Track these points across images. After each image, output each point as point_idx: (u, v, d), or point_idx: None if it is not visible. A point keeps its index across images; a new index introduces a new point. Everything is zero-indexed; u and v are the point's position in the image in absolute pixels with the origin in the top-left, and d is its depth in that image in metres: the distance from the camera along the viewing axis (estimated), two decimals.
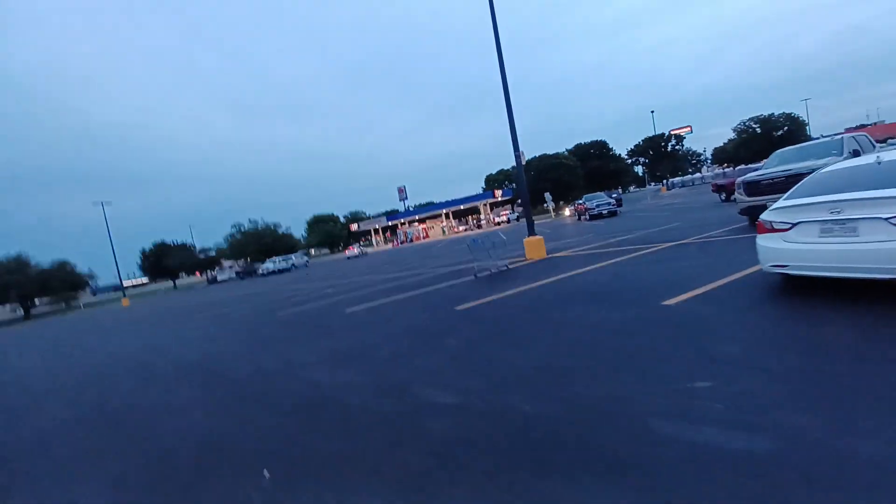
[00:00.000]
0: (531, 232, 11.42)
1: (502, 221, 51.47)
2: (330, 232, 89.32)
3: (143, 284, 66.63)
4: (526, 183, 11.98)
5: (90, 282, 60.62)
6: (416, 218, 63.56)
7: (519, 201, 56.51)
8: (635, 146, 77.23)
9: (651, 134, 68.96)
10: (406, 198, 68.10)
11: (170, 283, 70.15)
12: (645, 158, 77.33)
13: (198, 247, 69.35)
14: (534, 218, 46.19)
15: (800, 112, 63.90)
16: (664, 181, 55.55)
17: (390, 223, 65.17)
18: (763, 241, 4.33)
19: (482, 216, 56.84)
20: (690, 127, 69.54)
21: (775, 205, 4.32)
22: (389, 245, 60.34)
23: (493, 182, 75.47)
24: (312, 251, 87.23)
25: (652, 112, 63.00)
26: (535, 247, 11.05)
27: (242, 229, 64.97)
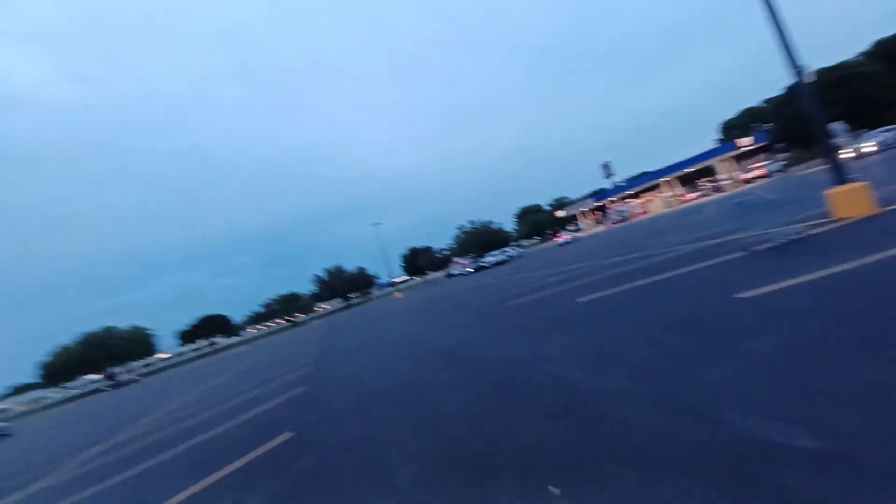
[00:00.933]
0: (840, 179, 7.79)
1: (757, 177, 39.08)
2: (537, 222, 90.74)
3: (405, 281, 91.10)
4: (817, 106, 8.30)
5: (376, 281, 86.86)
6: (629, 193, 56.36)
7: (774, 147, 41.76)
8: None
9: None
10: (612, 173, 61.59)
11: (421, 280, 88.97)
12: None
13: (435, 248, 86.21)
14: (809, 167, 32.53)
15: None
16: None
17: (598, 203, 60.27)
18: None
19: (721, 175, 44.83)
20: None
21: None
22: (601, 227, 55.85)
23: (734, 129, 58.88)
24: (524, 242, 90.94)
25: None
26: (850, 200, 7.47)
27: (465, 230, 74.38)
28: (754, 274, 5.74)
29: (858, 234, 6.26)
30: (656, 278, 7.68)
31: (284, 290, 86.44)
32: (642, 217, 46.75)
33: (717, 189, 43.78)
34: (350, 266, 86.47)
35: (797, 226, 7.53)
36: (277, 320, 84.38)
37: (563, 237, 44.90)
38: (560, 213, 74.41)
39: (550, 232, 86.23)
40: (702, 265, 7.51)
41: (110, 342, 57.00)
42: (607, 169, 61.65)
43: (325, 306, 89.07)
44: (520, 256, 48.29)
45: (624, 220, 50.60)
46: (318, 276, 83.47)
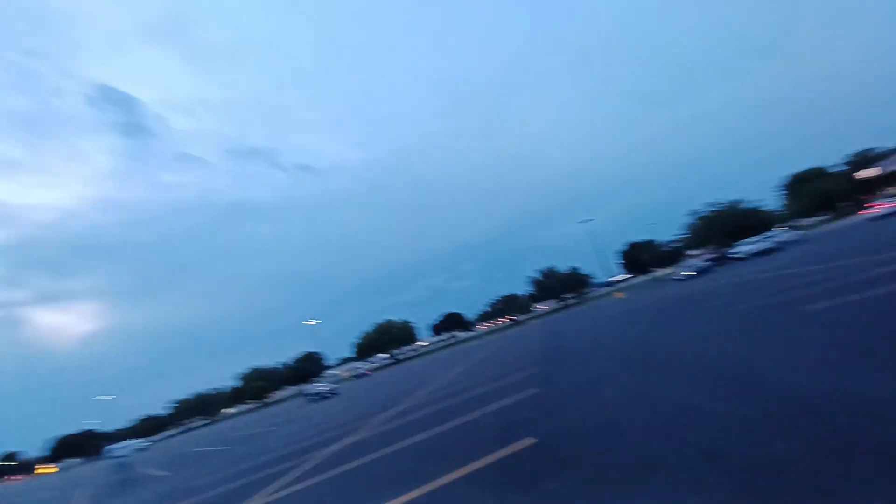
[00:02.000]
0: None
1: None
2: (822, 191, 63.93)
3: (625, 279, 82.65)
4: None
5: (592, 280, 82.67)
6: None
7: None
8: None
9: None
10: None
11: (645, 277, 78.37)
12: None
13: (662, 240, 74.17)
14: None
15: None
16: None
17: None
18: None
19: None
20: None
21: None
22: None
23: None
24: (803, 222, 66.18)
25: None
26: None
27: (702, 215, 60.64)
28: None
29: None
30: None
31: (505, 291, 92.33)
32: None
33: None
34: (564, 266, 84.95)
35: None
36: (501, 319, 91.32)
37: (887, 205, 30.13)
38: (867, 173, 50.17)
39: (849, 203, 59.35)
40: None
41: (391, 331, 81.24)
42: None
43: (542, 307, 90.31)
44: (799, 241, 35.28)
45: None
46: (533, 278, 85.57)
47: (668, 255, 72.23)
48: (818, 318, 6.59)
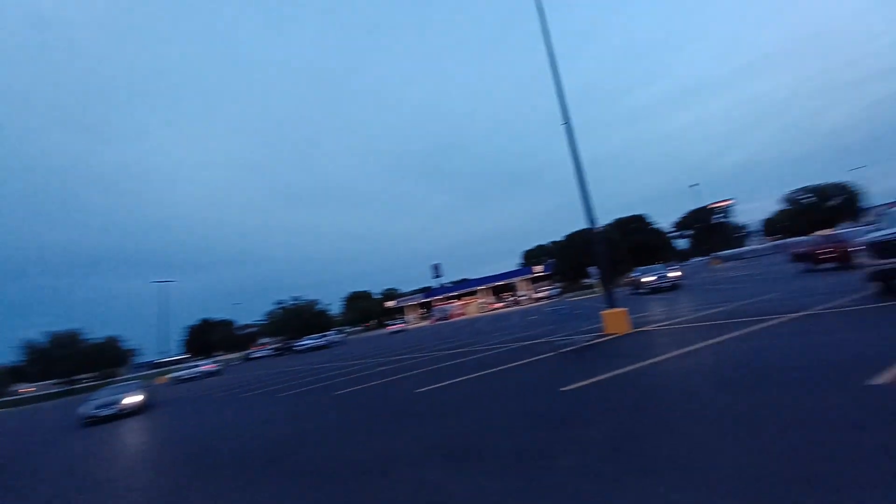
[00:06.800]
0: (611, 304, 10.38)
1: (543, 297, 49.73)
2: (365, 308, 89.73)
3: (182, 360, 66.13)
4: (604, 253, 11.24)
5: (132, 358, 61.67)
6: (453, 294, 62.98)
7: (554, 276, 55.13)
8: (681, 219, 76.02)
9: (693, 207, 68.11)
10: (440, 275, 68.38)
11: (209, 360, 70.32)
12: (690, 231, 75.40)
13: (239, 323, 71.47)
14: (576, 294, 44.30)
15: (846, 180, 61.46)
16: (716, 254, 52.89)
17: (426, 300, 64.78)
18: None
19: (521, 292, 55.40)
20: (732, 200, 68.08)
21: None
22: (426, 322, 59.14)
23: (531, 257, 75.06)
24: (348, 328, 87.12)
25: (694, 185, 63.28)
26: (616, 320, 9.92)
27: (285, 306, 66.52)
28: (567, 371, 6.67)
29: (625, 345, 8.16)
30: (490, 371, 8.13)
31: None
32: (461, 317, 51.95)
33: (517, 302, 53.26)
34: (100, 333, 60.61)
35: (585, 335, 9.47)
36: None
37: (397, 325, 45.36)
38: (390, 303, 76.12)
39: (376, 321, 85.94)
40: (524, 362, 8.40)
41: None
42: (437, 270, 68.10)
43: (28, 389, 57.85)
44: (343, 342, 45.77)
45: (445, 318, 54.98)
46: (29, 343, 51.48)
47: (241, 339, 71.47)
48: (344, 401, 8.34)
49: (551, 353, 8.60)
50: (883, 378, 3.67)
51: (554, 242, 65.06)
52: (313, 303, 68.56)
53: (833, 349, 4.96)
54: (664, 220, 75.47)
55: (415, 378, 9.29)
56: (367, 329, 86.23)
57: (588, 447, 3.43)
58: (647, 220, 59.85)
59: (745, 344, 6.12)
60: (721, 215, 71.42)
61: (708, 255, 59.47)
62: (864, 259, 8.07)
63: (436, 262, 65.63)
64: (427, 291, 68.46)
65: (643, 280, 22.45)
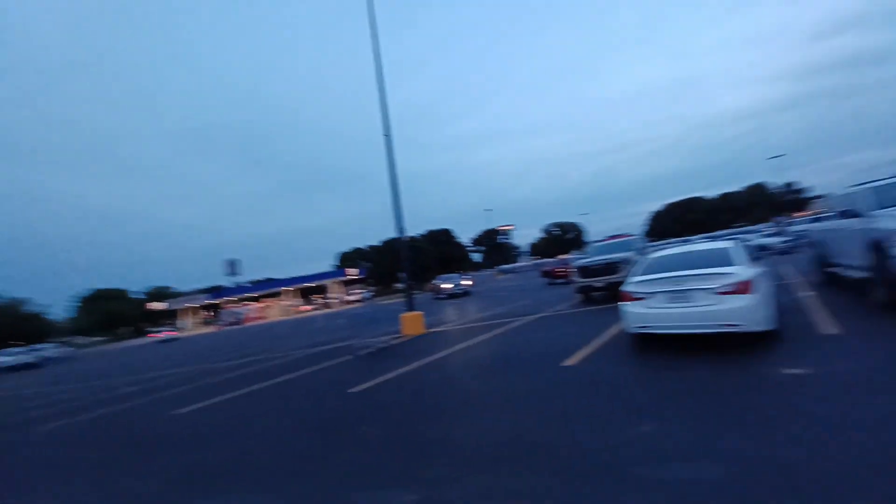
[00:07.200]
0: (410, 308, 11.28)
1: (355, 300, 49.78)
2: (114, 312, 68.24)
3: None
4: (408, 260, 12.10)
5: None
6: (252, 295, 55.79)
7: (368, 280, 56.47)
8: (478, 236, 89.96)
9: (487, 228, 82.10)
10: (237, 272, 59.43)
11: None
12: (484, 247, 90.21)
13: None
14: (388, 298, 46.43)
15: (577, 221, 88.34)
16: (499, 267, 65.19)
17: (213, 301, 55.13)
18: (629, 307, 5.28)
19: (332, 295, 53.91)
20: (513, 225, 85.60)
21: (635, 279, 5.41)
22: (210, 328, 50.07)
23: (347, 260, 74.14)
24: (81, 339, 64.38)
25: (488, 210, 76.06)
26: (413, 322, 10.86)
27: None
28: (359, 373, 6.87)
29: (416, 345, 9.03)
30: (281, 378, 7.58)
31: None
32: (259, 321, 46.45)
33: (327, 305, 51.53)
34: None
35: (384, 338, 10.00)
36: None
37: (166, 333, 36.57)
38: (157, 306, 60.85)
39: (132, 328, 67.30)
40: (319, 367, 8.21)
41: None
42: (233, 266, 58.80)
43: None
44: (70, 358, 33.81)
45: (238, 322, 47.95)
46: None
47: None
48: (60, 435, 6.14)
49: (348, 357, 8.68)
50: (570, 361, 5.27)
51: (372, 247, 66.20)
52: (21, 302, 48.42)
53: (548, 342, 6.81)
54: (465, 235, 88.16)
55: (176, 396, 7.74)
56: (116, 339, 66.15)
57: (365, 444, 3.61)
58: (453, 235, 68.37)
59: (501, 339, 7.74)
60: (504, 237, 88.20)
61: (493, 268, 72.43)
62: (575, 277, 11.43)
63: (233, 257, 56.30)
64: (216, 291, 58.26)
65: (442, 287, 25.42)
